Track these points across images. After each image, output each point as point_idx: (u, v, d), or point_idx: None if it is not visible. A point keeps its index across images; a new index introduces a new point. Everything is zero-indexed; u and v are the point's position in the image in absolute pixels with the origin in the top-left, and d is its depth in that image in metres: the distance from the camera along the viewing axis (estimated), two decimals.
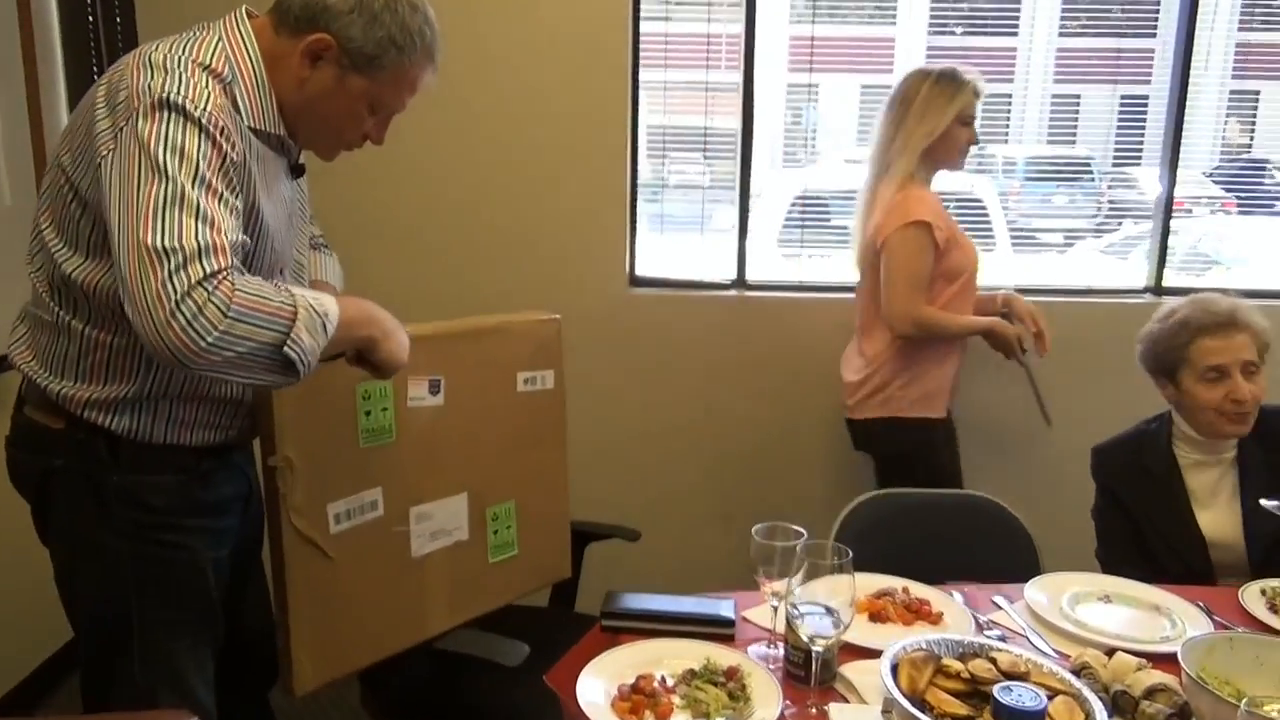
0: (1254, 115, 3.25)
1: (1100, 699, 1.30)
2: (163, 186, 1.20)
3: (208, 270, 1.17)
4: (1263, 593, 1.65)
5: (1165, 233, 2.90)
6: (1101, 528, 2.02)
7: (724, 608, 1.57)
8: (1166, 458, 1.95)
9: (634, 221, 2.83)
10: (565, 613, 2.19)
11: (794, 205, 3.10)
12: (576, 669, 1.61)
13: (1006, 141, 3.68)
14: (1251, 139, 3.33)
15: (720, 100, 2.82)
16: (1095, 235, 3.56)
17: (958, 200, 3.46)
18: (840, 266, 3.00)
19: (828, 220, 3.14)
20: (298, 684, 1.56)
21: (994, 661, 1.36)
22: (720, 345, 2.85)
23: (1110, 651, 1.42)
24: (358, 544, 1.63)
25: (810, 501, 2.91)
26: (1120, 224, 3.69)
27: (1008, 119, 3.78)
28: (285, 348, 1.21)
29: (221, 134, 1.26)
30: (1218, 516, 1.91)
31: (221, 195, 1.26)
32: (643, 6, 2.73)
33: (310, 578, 1.57)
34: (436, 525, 1.75)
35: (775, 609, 1.47)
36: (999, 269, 3.07)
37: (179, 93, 1.25)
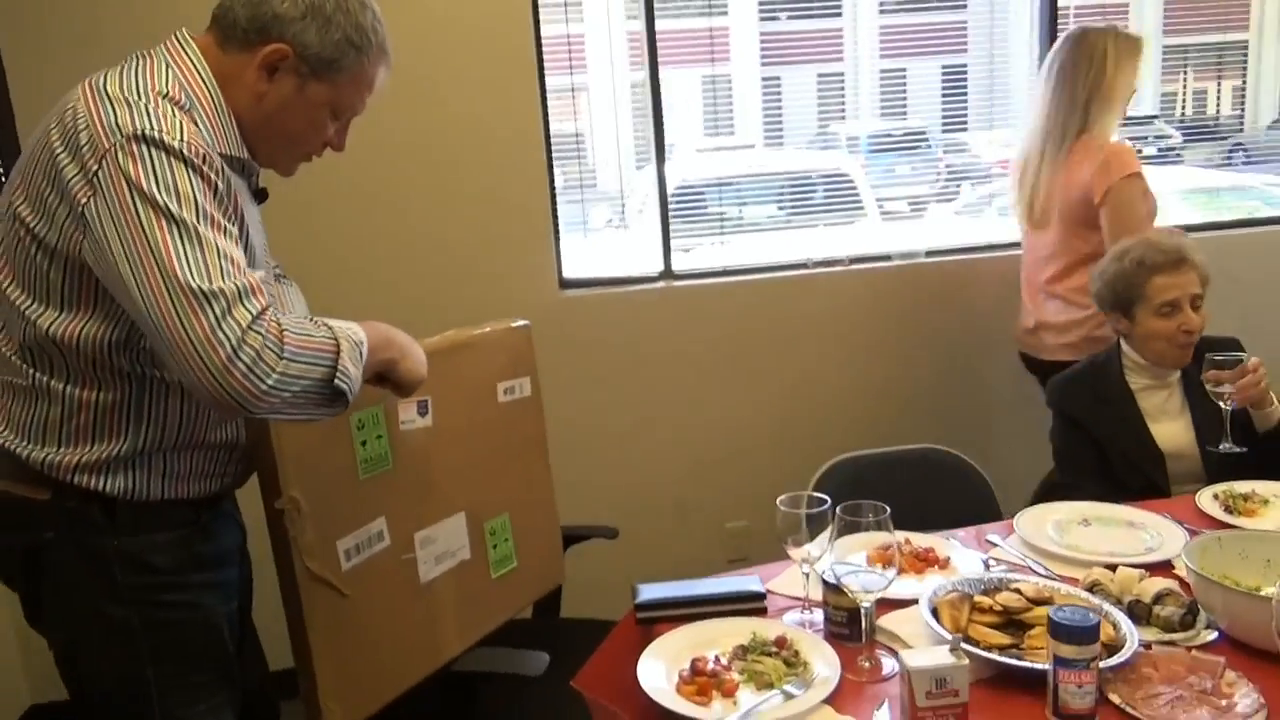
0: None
1: (1118, 610, 1.41)
2: (173, 227, 1.15)
3: (254, 311, 1.13)
4: (1215, 496, 1.82)
5: None
6: (1062, 452, 2.18)
7: (751, 583, 1.60)
8: (1120, 385, 2.13)
9: (557, 225, 2.82)
10: (561, 620, 2.18)
11: (673, 198, 3.17)
12: (606, 670, 1.63)
13: (844, 119, 3.88)
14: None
15: (555, 104, 2.84)
16: (939, 201, 3.80)
17: (825, 178, 3.63)
18: (750, 249, 3.10)
19: (705, 209, 3.23)
20: None
21: (1019, 592, 1.46)
22: (656, 337, 2.88)
23: (1113, 567, 1.54)
24: (369, 578, 1.58)
25: (760, 481, 2.98)
26: (959, 187, 3.95)
27: (843, 97, 3.99)
28: (335, 380, 1.20)
29: (205, 163, 1.21)
30: (1171, 431, 2.10)
31: (225, 228, 1.21)
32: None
33: (328, 619, 1.51)
34: (440, 548, 1.71)
35: (806, 575, 1.51)
36: (872, 240, 3.22)
37: (152, 126, 1.18)
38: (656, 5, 2.83)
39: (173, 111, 1.22)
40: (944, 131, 3.71)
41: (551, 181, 2.79)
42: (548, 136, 2.76)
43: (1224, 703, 1.23)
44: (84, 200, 1.17)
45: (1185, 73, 5.66)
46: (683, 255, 3.00)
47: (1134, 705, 1.23)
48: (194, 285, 1.13)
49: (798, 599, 1.57)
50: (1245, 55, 5.88)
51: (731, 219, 3.30)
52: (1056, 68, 2.54)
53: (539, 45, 2.72)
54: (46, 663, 1.39)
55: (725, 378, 2.94)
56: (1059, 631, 1.20)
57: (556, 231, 2.82)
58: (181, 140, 1.19)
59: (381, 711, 1.72)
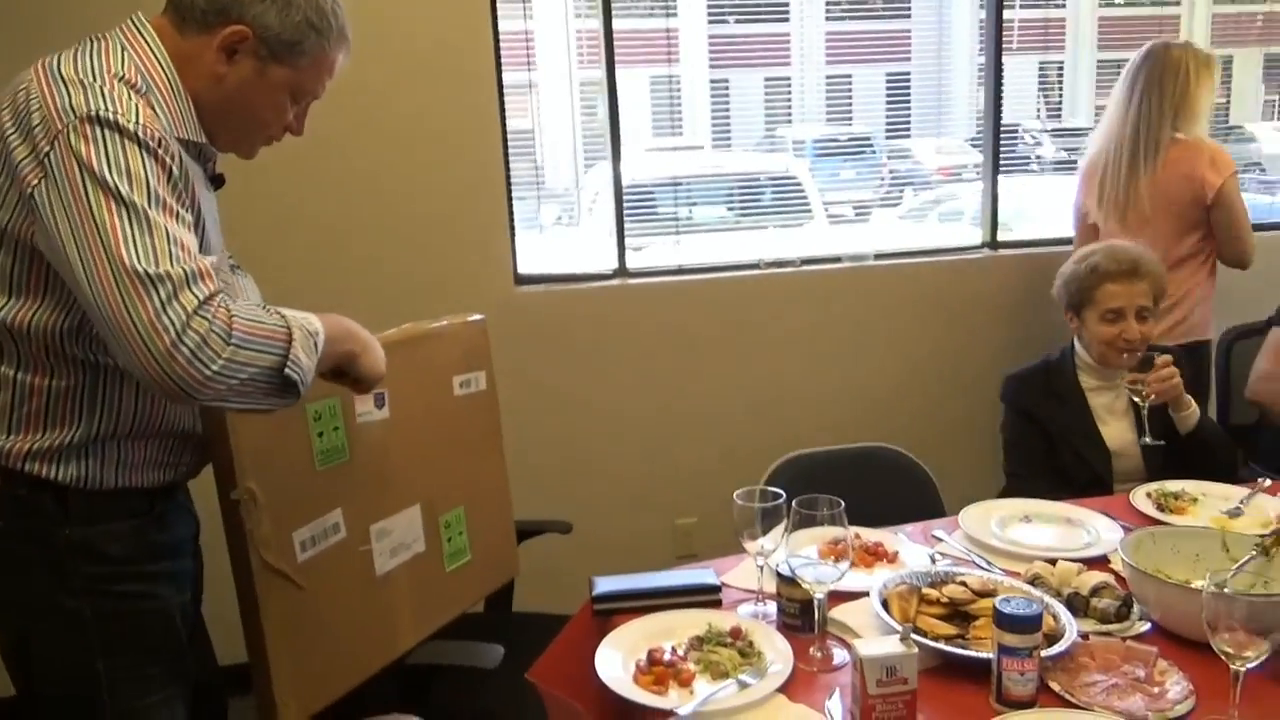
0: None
1: (1057, 602, 1.47)
2: (122, 210, 1.12)
3: (201, 297, 1.12)
4: (1148, 495, 1.90)
5: (995, 195, 3.19)
6: (1013, 443, 2.27)
7: (706, 576, 1.63)
8: (1072, 384, 2.22)
9: (512, 221, 2.82)
10: (514, 615, 2.19)
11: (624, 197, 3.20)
12: (562, 662, 1.64)
13: (790, 122, 3.95)
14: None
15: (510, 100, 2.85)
16: (882, 205, 3.89)
17: (773, 180, 3.69)
18: (701, 249, 3.13)
19: (655, 208, 3.26)
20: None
21: (965, 585, 1.51)
22: (610, 334, 2.90)
23: (1053, 561, 1.60)
24: (325, 570, 1.56)
25: (711, 478, 3.02)
26: (902, 193, 4.04)
27: (789, 101, 4.06)
28: (285, 370, 1.18)
29: (160, 146, 1.19)
30: (1116, 431, 2.19)
31: (178, 214, 1.19)
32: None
33: (284, 611, 1.50)
34: (396, 540, 1.70)
35: (761, 568, 1.54)
36: (818, 242, 3.28)
37: (106, 107, 1.16)
38: (613, 4, 2.85)
39: (128, 94, 1.20)
40: (888, 138, 3.79)
41: (508, 178, 2.79)
42: (504, 133, 2.76)
43: (1156, 690, 1.29)
44: (34, 182, 1.15)
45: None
46: (634, 254, 3.02)
47: (1072, 692, 1.29)
48: (140, 269, 1.11)
49: (751, 591, 1.60)
50: None
51: (682, 219, 3.33)
52: (1142, 79, 2.68)
53: (496, 41, 2.72)
54: None
55: (678, 375, 2.97)
56: (1004, 621, 1.25)
57: (512, 228, 2.82)
58: (136, 123, 1.17)
59: (336, 704, 1.72)
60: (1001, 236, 3.24)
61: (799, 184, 3.67)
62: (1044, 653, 1.29)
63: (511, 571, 2.01)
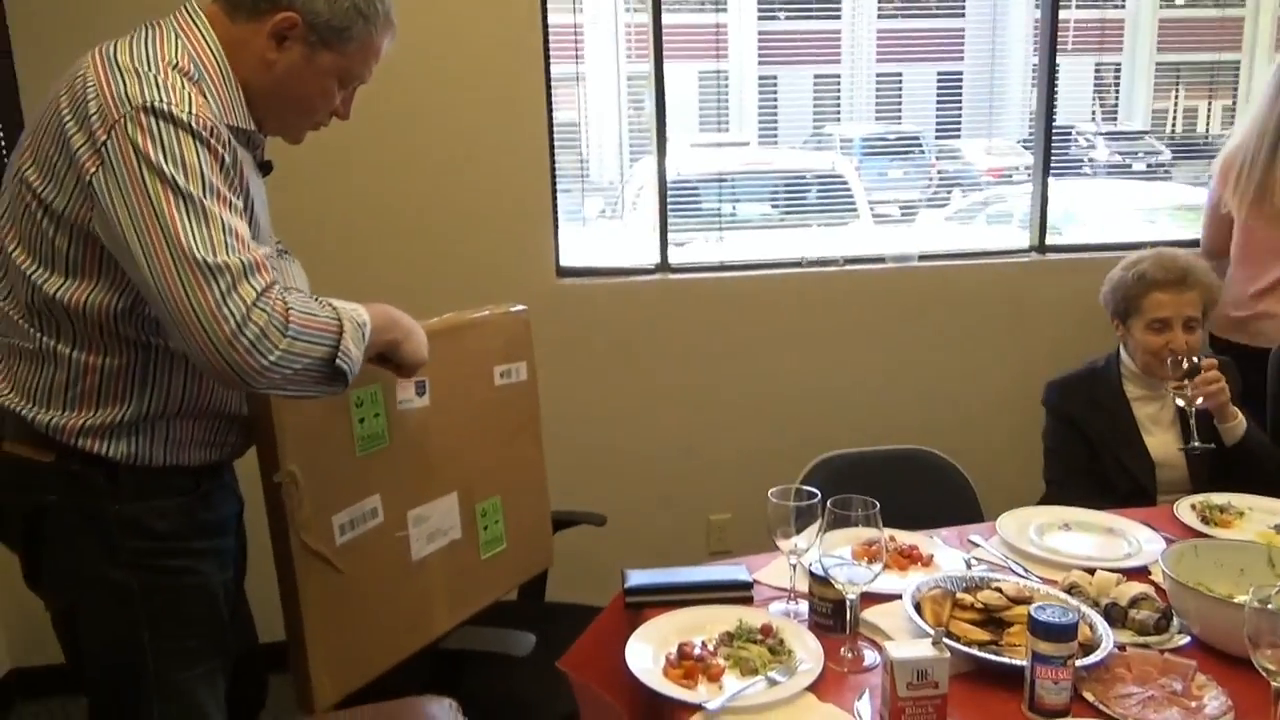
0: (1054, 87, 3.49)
1: (1095, 612, 1.45)
2: (179, 200, 1.16)
3: (259, 288, 1.16)
4: (1193, 507, 1.87)
5: (1044, 198, 3.14)
6: (1055, 450, 2.24)
7: (739, 572, 1.63)
8: (1117, 392, 2.19)
9: (556, 213, 2.84)
10: (548, 604, 2.20)
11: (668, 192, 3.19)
12: (592, 652, 1.66)
13: (839, 120, 3.91)
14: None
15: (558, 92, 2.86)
16: (929, 206, 3.84)
17: (819, 178, 3.66)
18: (743, 246, 3.13)
19: (699, 204, 3.26)
20: (318, 701, 1.52)
21: (1000, 591, 1.49)
22: (649, 329, 2.91)
23: (1091, 571, 1.57)
24: (362, 553, 1.59)
25: (746, 475, 3.01)
26: (950, 194, 3.99)
27: (838, 99, 4.02)
28: (336, 360, 1.22)
29: (212, 135, 1.22)
30: (1162, 441, 2.15)
31: (231, 202, 1.22)
32: None
33: (322, 592, 1.53)
34: (432, 527, 1.73)
35: (794, 566, 1.54)
36: (864, 242, 3.25)
37: (162, 98, 1.20)
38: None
39: (182, 83, 1.23)
40: (937, 138, 3.75)
41: (553, 170, 2.81)
42: (550, 125, 2.77)
43: (1194, 704, 1.26)
44: (92, 170, 1.19)
45: (1177, 90, 5.74)
46: (676, 249, 3.02)
47: (1107, 704, 1.27)
48: (200, 258, 1.15)
49: (783, 590, 1.60)
50: (1237, 75, 5.97)
51: (725, 215, 3.32)
52: None
53: (545, 33, 2.73)
54: (28, 626, 1.40)
55: (716, 371, 2.97)
56: (1038, 628, 1.24)
57: (555, 220, 2.84)
58: (190, 113, 1.20)
59: (369, 685, 1.75)
60: (1051, 240, 3.19)
61: (845, 182, 3.64)
62: (1079, 662, 1.28)
63: (546, 561, 2.02)
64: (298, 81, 1.35)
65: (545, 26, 2.72)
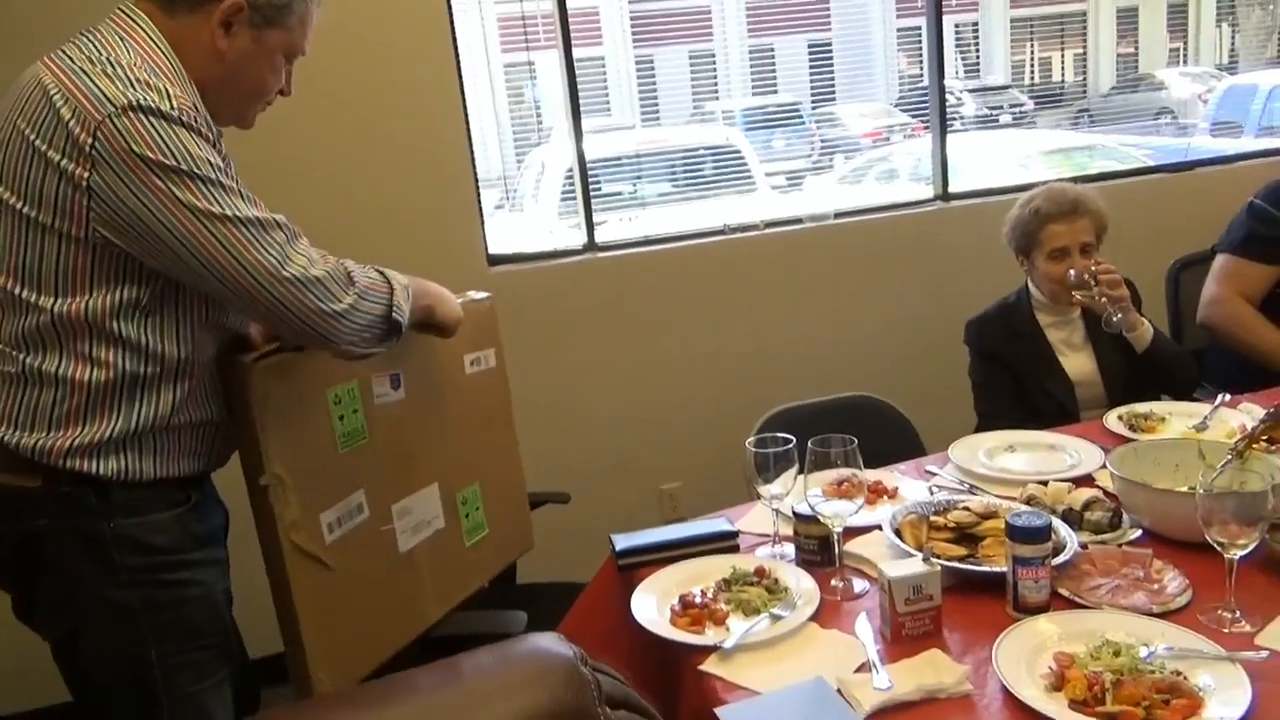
0: (919, 48, 3.63)
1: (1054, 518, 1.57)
2: (196, 183, 1.21)
3: (311, 251, 1.33)
4: (1120, 418, 2.03)
5: (944, 150, 3.30)
6: (981, 384, 2.38)
7: (722, 524, 1.70)
8: (1030, 322, 2.34)
9: (480, 203, 2.84)
10: (520, 585, 2.23)
11: (567, 177, 3.23)
12: (588, 619, 1.70)
13: (717, 97, 4.03)
14: (921, 68, 3.84)
15: None
16: (815, 172, 3.99)
17: (712, 151, 3.76)
18: (655, 224, 3.20)
19: (600, 188, 3.31)
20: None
21: (968, 509, 1.60)
22: (584, 308, 2.95)
23: (1044, 483, 1.70)
24: (351, 549, 1.59)
25: (692, 442, 3.09)
26: (833, 159, 4.16)
27: (714, 75, 4.14)
28: (393, 314, 1.40)
29: (197, 122, 1.24)
30: (1077, 362, 2.32)
31: (237, 182, 1.28)
32: None
33: (315, 591, 1.52)
34: (416, 518, 1.74)
35: (776, 511, 1.62)
36: (766, 209, 3.35)
37: (140, 96, 1.19)
38: None
39: (148, 80, 1.22)
40: (814, 106, 3.88)
41: (473, 159, 2.81)
42: (466, 117, 2.77)
43: (1156, 587, 1.39)
44: (85, 175, 1.18)
45: (1032, 43, 6.08)
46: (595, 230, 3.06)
47: (1081, 595, 1.39)
48: (250, 215, 1.25)
49: (766, 535, 1.67)
50: (1084, 25, 6.35)
51: (628, 196, 3.38)
52: None
53: (453, 25, 2.72)
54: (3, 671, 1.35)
55: (654, 344, 3.03)
56: (1017, 534, 1.34)
57: (481, 211, 2.84)
58: (174, 106, 1.21)
59: (366, 678, 1.75)
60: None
61: (739, 154, 3.74)
62: (1052, 562, 1.39)
63: (527, 544, 2.04)
64: (250, 65, 1.37)
65: (451, 19, 2.72)
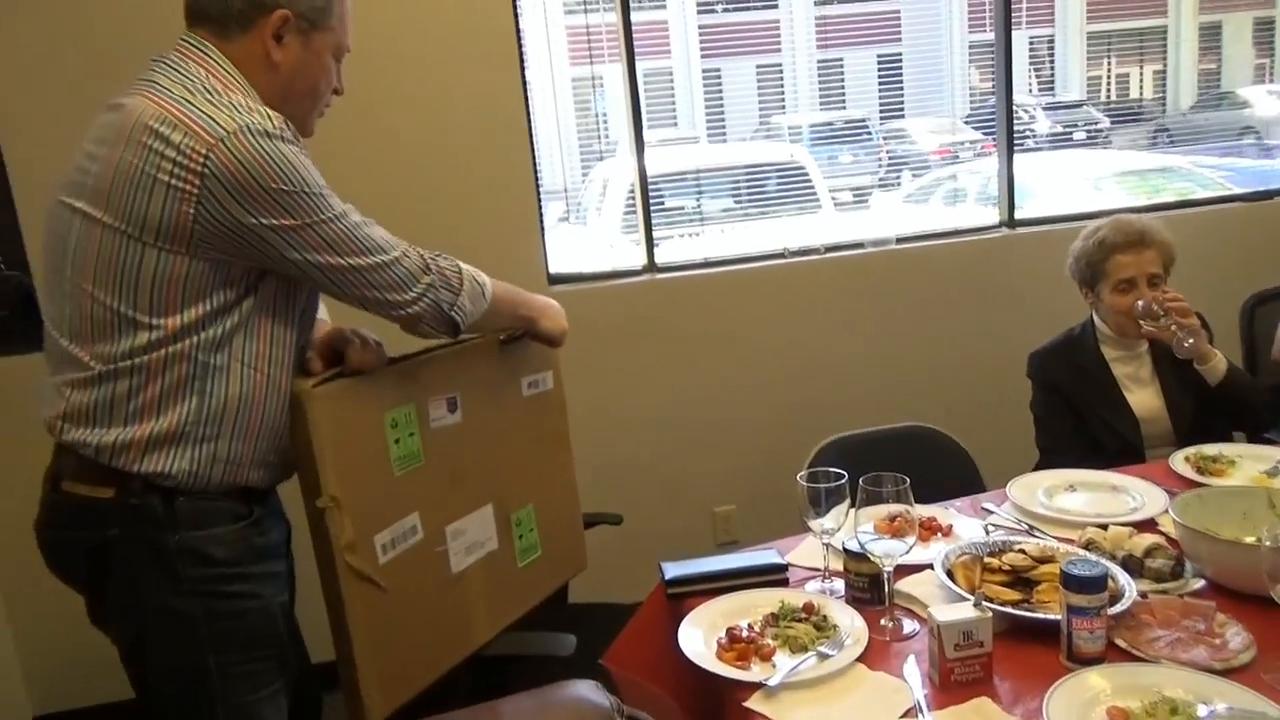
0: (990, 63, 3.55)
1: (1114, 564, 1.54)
2: (307, 200, 1.33)
3: (405, 247, 1.47)
4: (1186, 459, 1.97)
5: (1010, 174, 3.24)
6: (1043, 418, 2.33)
7: (772, 556, 1.69)
8: (1095, 355, 2.28)
9: (542, 221, 2.88)
10: (570, 606, 2.25)
11: (630, 193, 3.24)
12: (635, 646, 1.71)
13: (784, 110, 4.00)
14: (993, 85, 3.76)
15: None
16: (882, 188, 3.94)
17: (777, 167, 3.74)
18: (718, 241, 3.20)
19: (663, 203, 3.32)
20: (371, 717, 1.55)
21: (1024, 552, 1.57)
22: (643, 329, 2.96)
23: (1104, 526, 1.66)
24: (405, 571, 1.62)
25: (747, 466, 3.09)
26: (900, 176, 4.10)
27: (782, 88, 4.11)
28: (451, 311, 1.49)
29: (296, 140, 1.34)
30: (1143, 398, 2.26)
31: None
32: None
33: (368, 611, 1.56)
34: (470, 539, 1.76)
35: (826, 546, 1.61)
36: (830, 229, 3.34)
37: (248, 118, 1.29)
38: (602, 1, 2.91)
39: (245, 103, 1.33)
40: (882, 120, 3.83)
41: (536, 177, 2.85)
42: (531, 134, 2.81)
43: (1218, 641, 1.35)
44: (194, 191, 1.26)
45: (1109, 58, 5.93)
46: (658, 249, 3.07)
47: (1138, 647, 1.35)
48: (343, 211, 1.38)
49: (816, 569, 1.66)
50: (1164, 39, 6.18)
51: (689, 212, 3.39)
52: None
53: (520, 40, 2.77)
54: (49, 672, 1.41)
55: (710, 366, 3.03)
56: (1072, 582, 1.32)
57: (542, 228, 2.88)
58: (274, 125, 1.30)
59: (417, 697, 1.78)
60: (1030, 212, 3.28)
61: (804, 171, 3.71)
62: (1109, 611, 1.36)
63: (580, 565, 2.06)
64: (305, 71, 1.44)
65: (519, 33, 2.76)
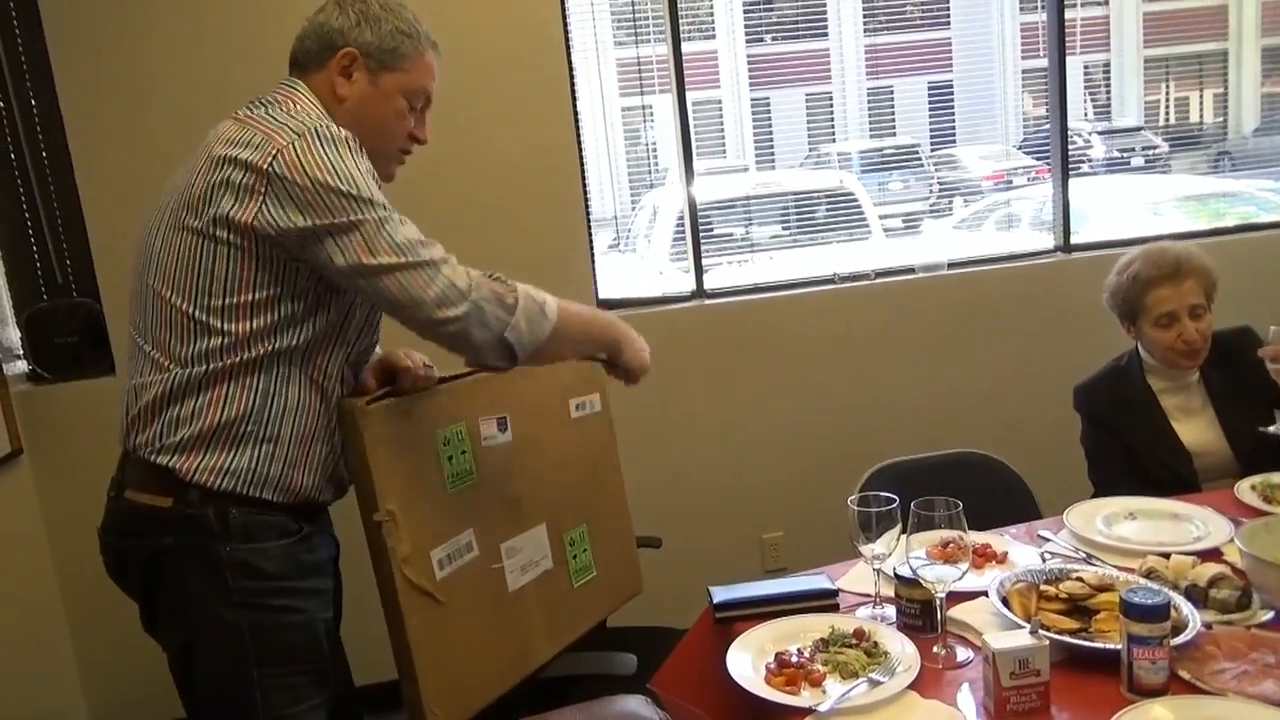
0: (1045, 88, 3.53)
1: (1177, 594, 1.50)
2: (360, 206, 1.37)
3: (441, 256, 1.44)
4: (1253, 487, 1.91)
5: (1065, 199, 3.20)
6: (1093, 452, 2.26)
7: (822, 581, 1.68)
8: (1142, 388, 2.20)
9: (592, 246, 2.91)
10: (614, 629, 2.25)
11: (679, 220, 3.26)
12: (683, 670, 1.71)
13: (834, 139, 3.99)
14: (1046, 110, 3.73)
15: None
16: (933, 216, 3.91)
17: (827, 194, 3.74)
18: (764, 269, 3.20)
19: (711, 230, 3.33)
20: None
21: (1082, 580, 1.54)
22: (692, 355, 2.97)
23: (1166, 555, 1.62)
24: (461, 586, 1.64)
25: (796, 493, 3.07)
26: (951, 202, 4.06)
27: (831, 117, 4.11)
28: (505, 334, 1.43)
29: (360, 149, 1.41)
30: (1195, 429, 2.16)
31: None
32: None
33: (427, 626, 1.58)
34: (525, 558, 1.78)
35: (877, 571, 1.59)
36: (880, 255, 3.31)
37: (315, 124, 1.38)
38: (654, 30, 2.95)
39: (321, 119, 1.42)
40: (933, 148, 3.82)
41: (586, 202, 2.88)
42: (582, 161, 2.85)
43: None
44: (261, 189, 1.34)
45: (1167, 82, 5.83)
46: (705, 275, 3.08)
47: (1203, 680, 1.31)
48: (401, 245, 1.38)
49: (867, 595, 1.65)
50: (1225, 63, 6.07)
51: (738, 239, 3.40)
52: None
53: (570, 69, 2.82)
54: (107, 688, 1.46)
55: (760, 393, 3.03)
56: (1133, 611, 1.29)
57: (592, 252, 2.91)
58: (341, 133, 1.39)
59: (477, 716, 1.79)
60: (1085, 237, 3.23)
61: (853, 198, 3.71)
62: (1172, 641, 1.32)
63: (636, 587, 2.05)
64: (371, 107, 1.52)
65: (570, 62, 2.81)
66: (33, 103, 2.67)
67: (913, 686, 1.38)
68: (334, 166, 1.35)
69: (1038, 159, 3.84)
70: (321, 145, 1.35)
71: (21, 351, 2.80)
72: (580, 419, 1.92)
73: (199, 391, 1.40)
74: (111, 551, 1.48)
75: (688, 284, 3.05)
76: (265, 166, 1.34)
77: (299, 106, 1.45)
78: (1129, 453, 2.17)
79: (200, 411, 1.39)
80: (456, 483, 1.66)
